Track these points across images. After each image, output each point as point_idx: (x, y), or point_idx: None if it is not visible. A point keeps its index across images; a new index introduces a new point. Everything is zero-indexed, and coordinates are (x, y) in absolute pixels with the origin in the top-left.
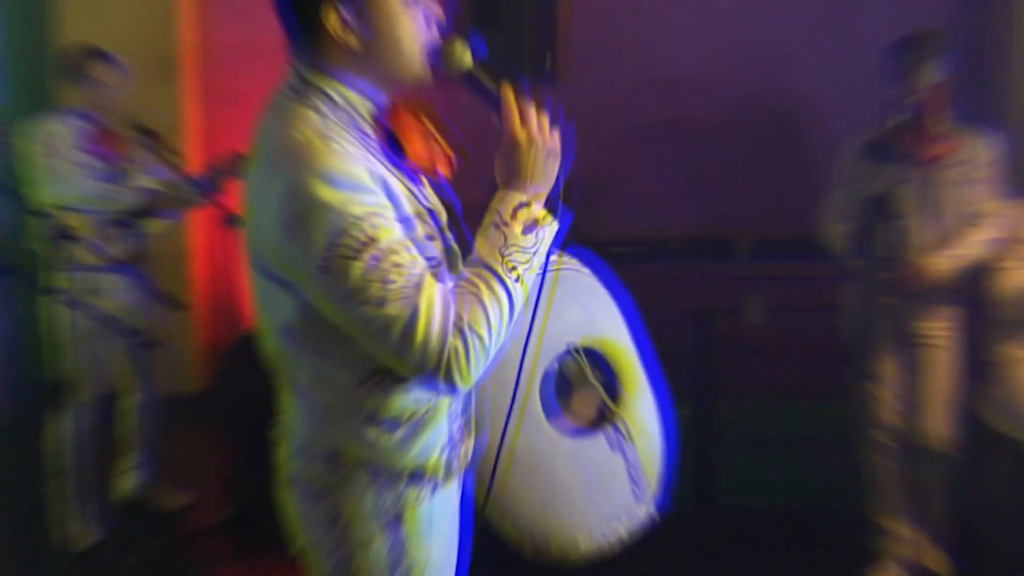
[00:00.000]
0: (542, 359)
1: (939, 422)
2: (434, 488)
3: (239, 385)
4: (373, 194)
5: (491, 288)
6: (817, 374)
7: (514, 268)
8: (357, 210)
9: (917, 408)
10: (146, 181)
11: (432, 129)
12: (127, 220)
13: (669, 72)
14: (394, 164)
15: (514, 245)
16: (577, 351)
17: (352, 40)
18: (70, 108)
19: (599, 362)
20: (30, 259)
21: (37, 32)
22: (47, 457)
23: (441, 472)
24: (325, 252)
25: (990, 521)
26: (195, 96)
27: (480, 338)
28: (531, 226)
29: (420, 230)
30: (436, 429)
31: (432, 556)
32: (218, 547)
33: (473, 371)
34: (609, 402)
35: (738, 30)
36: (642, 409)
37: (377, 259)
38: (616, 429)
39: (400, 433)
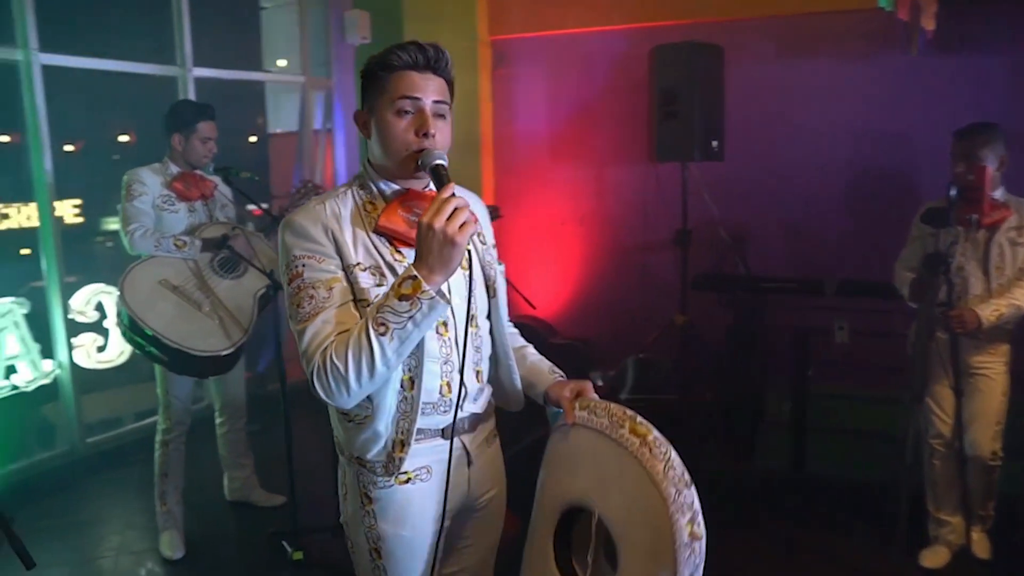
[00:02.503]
0: (564, 499)
1: (986, 437)
2: (379, 479)
3: None
4: (317, 244)
5: (359, 333)
6: (885, 383)
7: (383, 324)
8: (297, 252)
9: (967, 424)
10: None
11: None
12: None
13: (791, 154)
14: (376, 231)
15: (388, 307)
16: (595, 516)
17: (367, 134)
18: None
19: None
20: None
21: None
22: None
23: (378, 467)
24: (283, 272)
25: None
26: (489, 168)
27: (335, 366)
28: (406, 297)
29: (368, 274)
30: (371, 432)
31: (397, 534)
32: None
33: (332, 388)
34: None
35: (837, 126)
36: None
37: (299, 288)
38: None
39: (351, 428)
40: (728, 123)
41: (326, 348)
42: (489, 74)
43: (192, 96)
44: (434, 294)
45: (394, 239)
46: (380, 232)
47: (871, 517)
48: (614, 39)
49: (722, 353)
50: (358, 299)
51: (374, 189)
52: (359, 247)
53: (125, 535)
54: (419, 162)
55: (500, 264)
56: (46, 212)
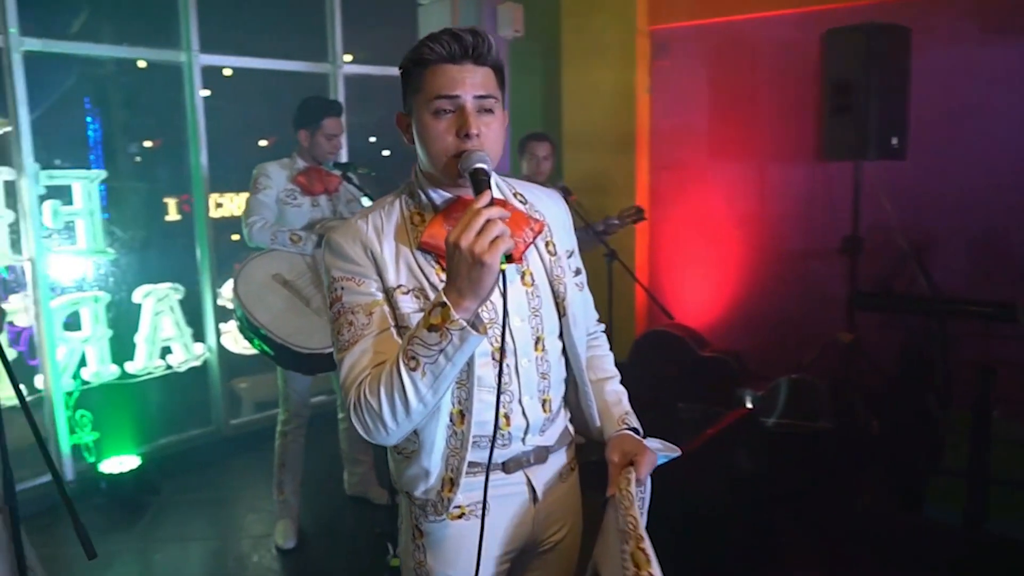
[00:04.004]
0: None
1: None
2: (428, 515)
3: (643, 360)
4: (355, 265)
5: (392, 368)
6: None
7: (414, 358)
8: (336, 273)
9: None
10: None
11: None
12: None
13: (988, 153)
14: (420, 248)
15: (418, 339)
16: None
17: (409, 139)
18: (521, 174)
19: None
20: None
21: (551, 121)
22: None
23: (428, 503)
24: (326, 295)
25: None
26: (644, 165)
27: (369, 403)
28: (435, 327)
29: (411, 298)
30: (417, 468)
31: (445, 574)
32: None
33: (370, 426)
34: None
35: None
36: None
37: (339, 312)
38: None
39: (399, 460)
40: (912, 116)
41: (361, 383)
42: (647, 66)
43: (341, 93)
44: (464, 324)
45: (440, 256)
46: (424, 249)
47: None
48: (782, 25)
49: (892, 380)
50: (400, 325)
51: (423, 198)
52: (402, 267)
53: (247, 519)
54: (459, 166)
55: (578, 275)
56: (200, 204)
